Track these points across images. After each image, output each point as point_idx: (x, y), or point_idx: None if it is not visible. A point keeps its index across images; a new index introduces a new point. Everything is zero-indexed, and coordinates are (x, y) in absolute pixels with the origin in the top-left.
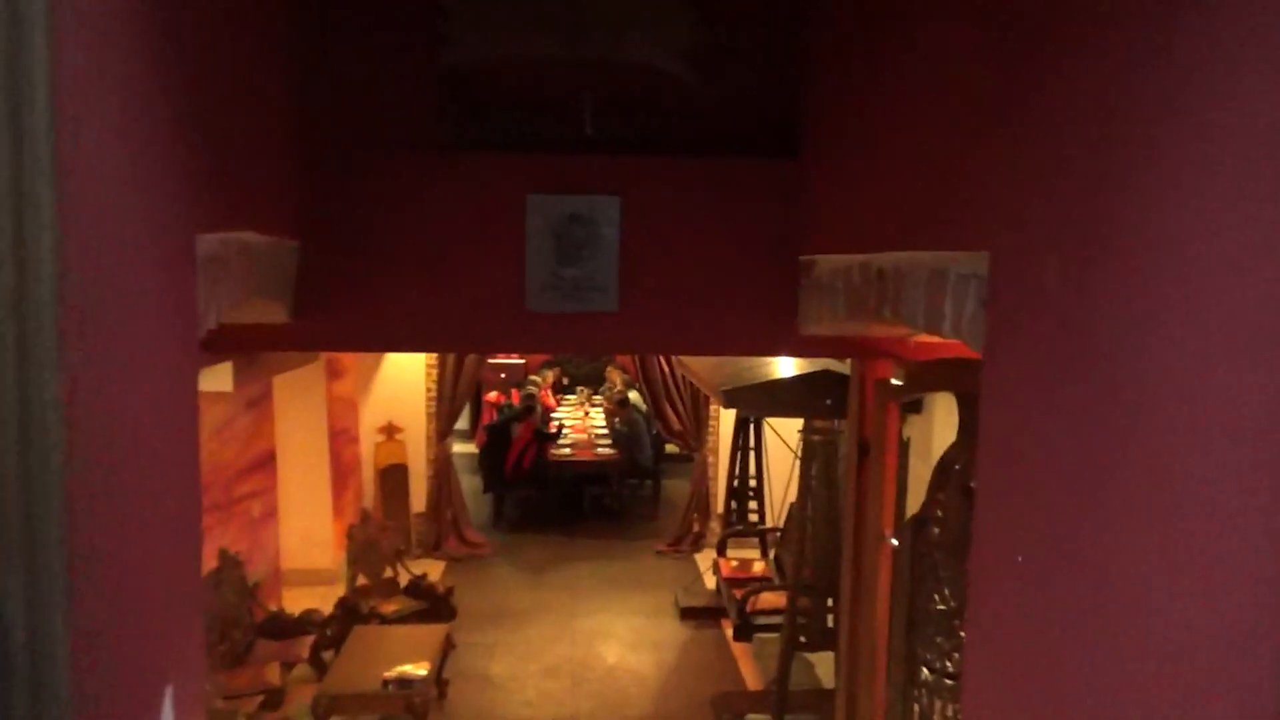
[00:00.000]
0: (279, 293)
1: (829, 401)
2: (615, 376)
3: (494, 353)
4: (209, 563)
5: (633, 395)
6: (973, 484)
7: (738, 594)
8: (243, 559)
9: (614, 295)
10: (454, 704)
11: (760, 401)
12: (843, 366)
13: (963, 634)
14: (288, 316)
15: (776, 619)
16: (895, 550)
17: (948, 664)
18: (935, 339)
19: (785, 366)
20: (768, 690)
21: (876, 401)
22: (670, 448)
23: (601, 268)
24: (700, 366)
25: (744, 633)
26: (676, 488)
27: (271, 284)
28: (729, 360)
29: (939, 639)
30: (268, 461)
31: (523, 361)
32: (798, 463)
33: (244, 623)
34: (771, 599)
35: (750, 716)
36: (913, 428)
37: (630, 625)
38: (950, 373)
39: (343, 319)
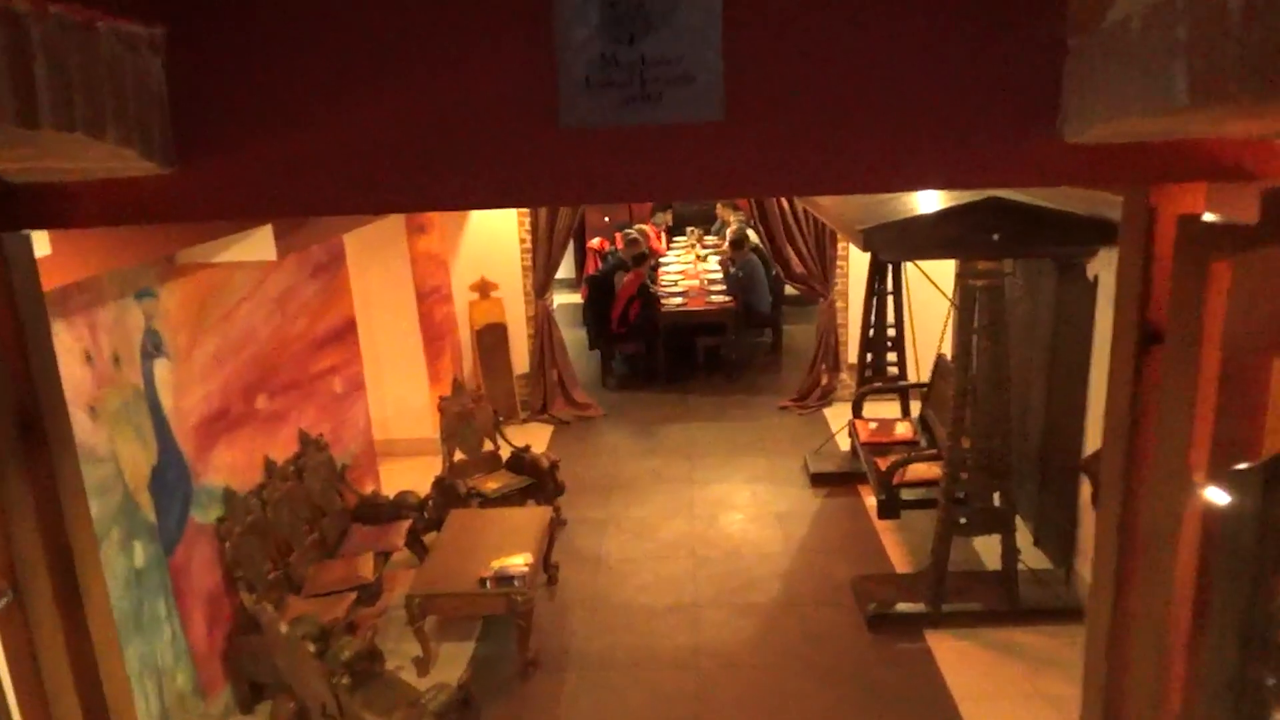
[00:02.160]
0: (128, 124)
1: (996, 237)
2: (728, 214)
3: (502, 207)
4: (288, 448)
5: (749, 234)
6: None
7: (880, 464)
8: (327, 440)
9: (715, 93)
10: (565, 590)
11: (909, 241)
12: (1013, 193)
13: None
14: (159, 164)
15: (924, 490)
16: (1221, 511)
17: None
18: None
19: (926, 196)
20: (920, 574)
21: (1184, 257)
22: (790, 290)
23: (690, 41)
24: (828, 200)
25: (890, 510)
26: (799, 335)
27: (107, 105)
28: None
29: None
30: (347, 332)
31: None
32: (952, 311)
33: (334, 509)
34: (921, 469)
35: (901, 606)
36: (1104, 263)
37: (754, 494)
38: None
39: (253, 165)
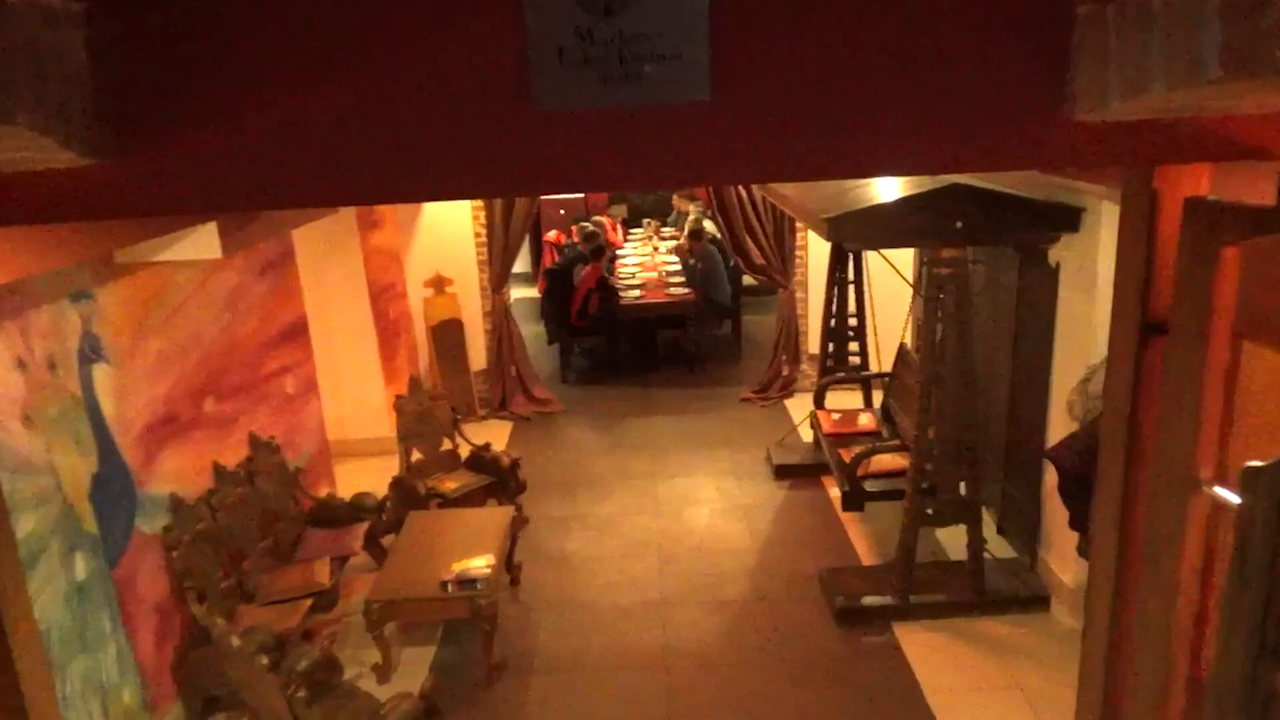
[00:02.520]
0: (46, 110)
1: (959, 224)
2: (685, 205)
3: (474, 197)
4: (239, 452)
5: (707, 225)
6: None
7: (845, 455)
8: (279, 443)
9: (701, 71)
10: (530, 590)
11: (873, 230)
12: (977, 179)
13: None
14: (80, 154)
15: (889, 482)
16: (1232, 511)
17: None
18: None
19: (887, 184)
20: (886, 566)
21: (1191, 242)
22: (749, 280)
23: (672, 15)
24: (790, 188)
25: (854, 502)
26: (759, 326)
27: (18, 88)
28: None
29: None
30: (298, 331)
31: (582, 196)
32: (916, 299)
33: (288, 514)
34: (885, 460)
35: (869, 599)
36: (1066, 249)
37: (719, 488)
38: None
39: (195, 156)
